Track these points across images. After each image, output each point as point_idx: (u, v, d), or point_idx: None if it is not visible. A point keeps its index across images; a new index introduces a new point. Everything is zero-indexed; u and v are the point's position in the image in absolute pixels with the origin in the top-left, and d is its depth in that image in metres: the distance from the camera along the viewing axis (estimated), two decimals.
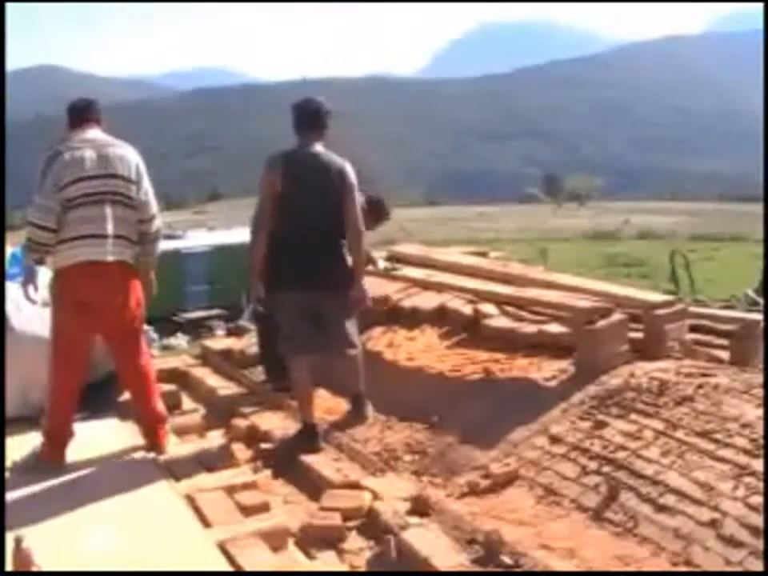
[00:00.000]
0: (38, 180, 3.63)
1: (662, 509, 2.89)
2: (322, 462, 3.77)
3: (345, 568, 2.95)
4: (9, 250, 4.98)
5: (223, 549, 2.92)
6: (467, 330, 4.79)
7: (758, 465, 2.91)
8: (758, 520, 2.67)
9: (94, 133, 3.80)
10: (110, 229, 3.73)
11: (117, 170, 3.77)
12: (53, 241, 3.66)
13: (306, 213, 3.92)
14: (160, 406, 4.06)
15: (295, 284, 3.93)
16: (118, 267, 3.80)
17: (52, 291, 3.78)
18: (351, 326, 4.13)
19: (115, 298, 3.80)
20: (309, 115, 4.03)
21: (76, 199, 3.65)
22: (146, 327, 4.81)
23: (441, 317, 5.02)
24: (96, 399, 4.31)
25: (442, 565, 2.74)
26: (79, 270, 3.69)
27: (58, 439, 3.79)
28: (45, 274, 4.79)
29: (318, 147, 4.00)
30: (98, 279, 3.73)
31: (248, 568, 2.81)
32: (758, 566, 2.52)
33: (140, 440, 4.07)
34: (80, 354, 3.83)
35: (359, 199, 4.16)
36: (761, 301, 7.65)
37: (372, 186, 4.78)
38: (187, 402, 4.98)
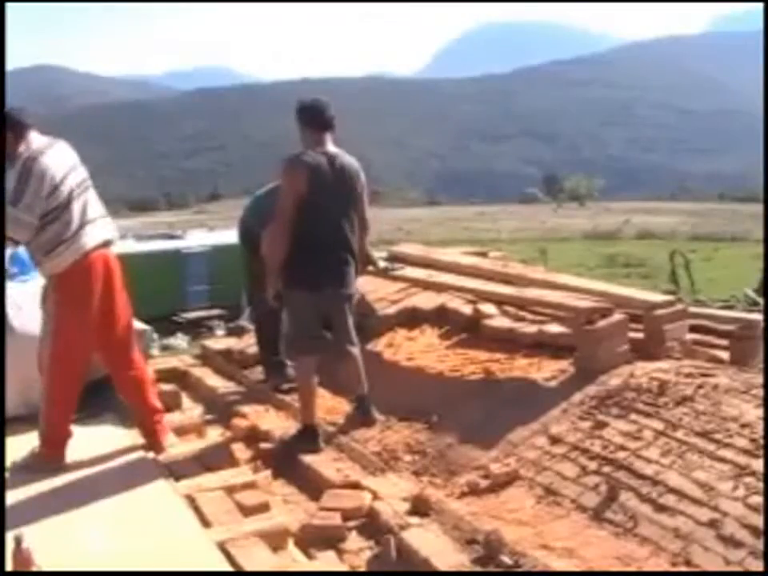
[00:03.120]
0: (13, 190, 3.57)
1: (661, 509, 2.89)
2: (322, 462, 3.77)
3: (345, 568, 2.95)
4: (9, 250, 4.97)
5: (223, 549, 2.92)
6: (467, 330, 4.79)
7: (757, 465, 2.91)
8: (757, 520, 2.67)
9: (38, 136, 3.80)
10: (92, 213, 3.82)
11: (74, 161, 3.84)
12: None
13: (328, 214, 3.94)
14: (156, 401, 4.07)
15: (315, 284, 3.95)
16: (106, 251, 3.85)
17: (51, 296, 3.76)
18: (352, 325, 4.16)
19: (116, 291, 3.84)
20: (323, 114, 4.01)
21: (69, 195, 3.70)
22: (146, 327, 4.83)
23: (441, 317, 5.02)
24: (95, 399, 4.31)
25: (442, 565, 2.74)
26: (82, 264, 3.72)
27: (56, 440, 3.79)
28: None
29: (333, 147, 4.02)
30: (97, 267, 3.78)
31: (248, 568, 2.81)
32: (758, 566, 2.52)
33: (140, 440, 4.07)
34: (82, 357, 3.83)
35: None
36: (761, 301, 7.66)
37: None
38: (187, 402, 4.98)
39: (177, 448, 4.05)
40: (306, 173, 3.88)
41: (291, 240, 3.92)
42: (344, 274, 4.04)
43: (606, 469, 3.20)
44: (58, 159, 3.72)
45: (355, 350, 4.18)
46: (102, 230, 3.83)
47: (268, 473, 3.81)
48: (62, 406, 3.80)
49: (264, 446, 4.08)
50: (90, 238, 3.75)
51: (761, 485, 2.80)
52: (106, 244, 3.85)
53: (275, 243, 3.95)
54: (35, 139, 3.74)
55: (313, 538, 3.12)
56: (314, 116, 4.01)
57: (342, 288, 4.04)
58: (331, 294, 4.01)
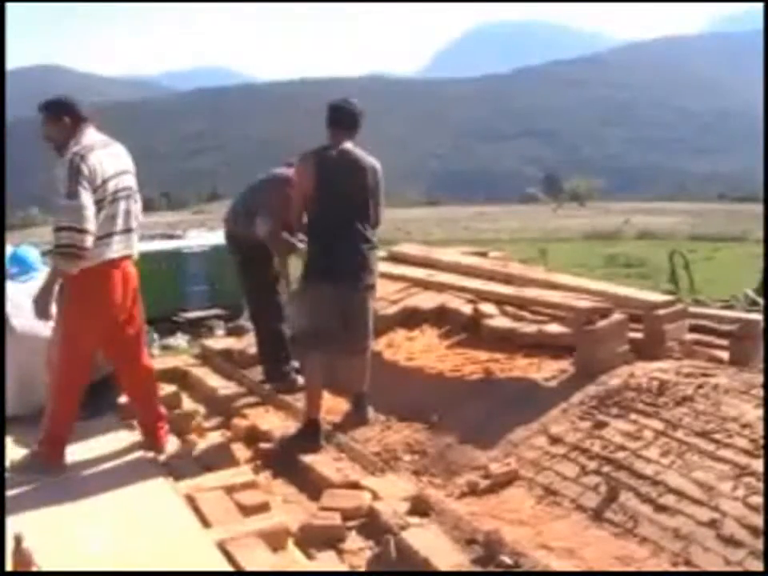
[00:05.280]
0: (65, 184, 3.53)
1: (661, 509, 2.89)
2: (322, 462, 3.77)
3: (345, 568, 2.95)
4: (9, 249, 4.97)
5: (223, 548, 2.92)
6: (467, 330, 4.79)
7: (757, 465, 2.91)
8: (757, 520, 2.67)
9: (94, 132, 3.79)
10: (132, 223, 3.82)
11: (126, 167, 3.83)
12: (83, 242, 3.52)
13: (340, 208, 4.00)
14: (160, 407, 4.08)
15: (330, 279, 3.97)
16: (129, 264, 3.84)
17: (65, 295, 3.75)
18: (370, 323, 4.18)
19: (129, 297, 3.83)
20: (342, 115, 4.10)
21: (104, 200, 3.65)
22: (145, 327, 4.82)
23: (441, 317, 5.02)
24: (96, 399, 4.31)
25: (441, 565, 2.74)
26: (102, 269, 3.69)
27: (57, 440, 3.79)
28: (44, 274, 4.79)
29: (349, 144, 4.08)
30: (118, 278, 3.76)
31: (248, 568, 2.81)
32: (758, 566, 2.52)
33: (140, 440, 4.07)
34: (88, 358, 3.84)
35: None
36: (761, 301, 7.65)
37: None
38: (187, 402, 4.98)
39: (177, 448, 4.05)
40: (313, 166, 3.99)
41: (310, 235, 4.04)
42: (361, 266, 4.06)
43: (606, 469, 3.20)
44: (105, 161, 3.67)
45: (368, 347, 4.21)
46: (129, 243, 3.80)
47: (268, 473, 3.81)
48: (66, 407, 3.80)
49: (264, 445, 4.08)
50: (116, 247, 3.72)
51: (761, 485, 2.80)
52: (129, 256, 3.83)
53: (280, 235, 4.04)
54: (89, 134, 3.72)
55: (313, 538, 3.12)
56: (331, 116, 4.11)
57: (359, 280, 4.05)
58: (350, 287, 4.03)
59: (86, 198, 3.53)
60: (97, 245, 3.61)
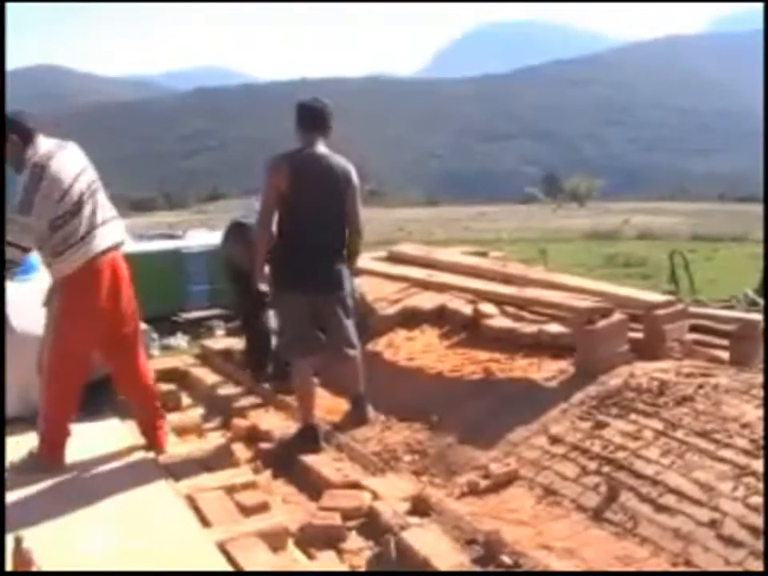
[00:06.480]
0: (21, 195, 3.52)
1: (661, 509, 2.89)
2: (322, 462, 3.77)
3: (345, 568, 2.95)
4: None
5: (223, 549, 2.92)
6: (467, 330, 4.79)
7: (757, 465, 2.91)
8: (757, 520, 2.67)
9: (45, 139, 3.73)
10: (108, 213, 3.82)
11: (85, 162, 3.82)
12: (21, 260, 3.71)
13: (312, 213, 3.93)
14: (158, 405, 4.08)
15: (302, 285, 3.93)
16: (117, 256, 3.85)
17: (57, 298, 3.74)
18: (350, 327, 4.13)
19: (121, 293, 3.84)
20: (315, 115, 4.01)
21: (79, 201, 3.65)
22: (145, 327, 4.83)
23: (441, 317, 5.02)
24: (95, 399, 4.31)
25: (442, 565, 2.74)
26: (92, 267, 3.70)
27: (55, 441, 3.78)
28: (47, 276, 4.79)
29: (323, 148, 4.00)
30: (107, 274, 3.76)
31: (248, 568, 2.81)
32: (758, 566, 2.52)
33: (140, 440, 4.07)
34: (82, 359, 3.83)
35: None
36: (761, 301, 7.65)
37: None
38: (187, 402, 4.98)
39: (177, 448, 4.05)
40: (287, 170, 3.89)
41: (279, 241, 3.93)
42: (334, 276, 4.01)
43: (606, 469, 3.20)
44: (67, 163, 3.66)
45: (353, 353, 4.14)
46: (111, 233, 3.80)
47: (268, 473, 3.81)
48: (61, 407, 3.79)
49: (264, 445, 4.08)
50: (99, 242, 3.72)
51: (761, 485, 2.80)
52: (115, 246, 3.83)
53: (259, 240, 3.97)
54: (43, 143, 3.68)
55: (313, 538, 3.12)
56: (303, 116, 4.01)
57: (333, 290, 4.01)
58: (322, 296, 3.99)
59: (36, 218, 3.54)
60: (82, 243, 3.65)
